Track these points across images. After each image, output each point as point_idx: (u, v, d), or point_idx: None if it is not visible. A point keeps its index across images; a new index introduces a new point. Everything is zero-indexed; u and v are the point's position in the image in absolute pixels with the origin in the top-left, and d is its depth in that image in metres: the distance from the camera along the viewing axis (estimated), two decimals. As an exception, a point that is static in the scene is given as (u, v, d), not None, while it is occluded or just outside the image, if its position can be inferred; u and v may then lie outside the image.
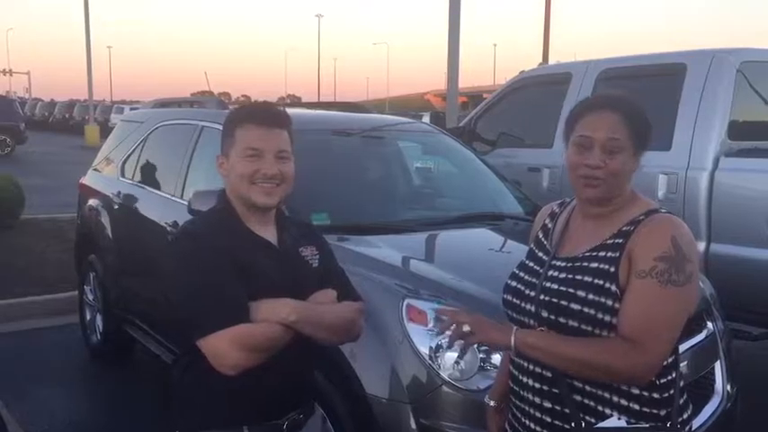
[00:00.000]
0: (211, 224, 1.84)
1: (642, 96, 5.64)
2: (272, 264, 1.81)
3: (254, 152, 1.78)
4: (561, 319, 1.63)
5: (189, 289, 1.71)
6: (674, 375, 1.67)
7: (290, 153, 1.85)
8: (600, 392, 1.62)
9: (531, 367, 1.71)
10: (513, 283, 1.82)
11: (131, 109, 19.43)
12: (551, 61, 16.08)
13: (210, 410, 1.77)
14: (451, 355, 2.52)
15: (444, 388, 2.49)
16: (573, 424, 1.64)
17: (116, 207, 4.83)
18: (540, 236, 1.88)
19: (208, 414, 1.78)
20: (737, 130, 4.56)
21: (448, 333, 1.69)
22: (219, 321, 1.65)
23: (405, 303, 2.63)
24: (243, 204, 1.83)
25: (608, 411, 1.62)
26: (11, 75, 62.64)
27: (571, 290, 1.63)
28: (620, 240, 1.63)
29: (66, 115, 42.53)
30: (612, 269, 1.61)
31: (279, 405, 1.83)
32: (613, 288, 1.59)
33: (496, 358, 2.55)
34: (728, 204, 4.34)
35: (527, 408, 1.73)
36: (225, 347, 1.64)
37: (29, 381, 4.60)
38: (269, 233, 1.87)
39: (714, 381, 3.03)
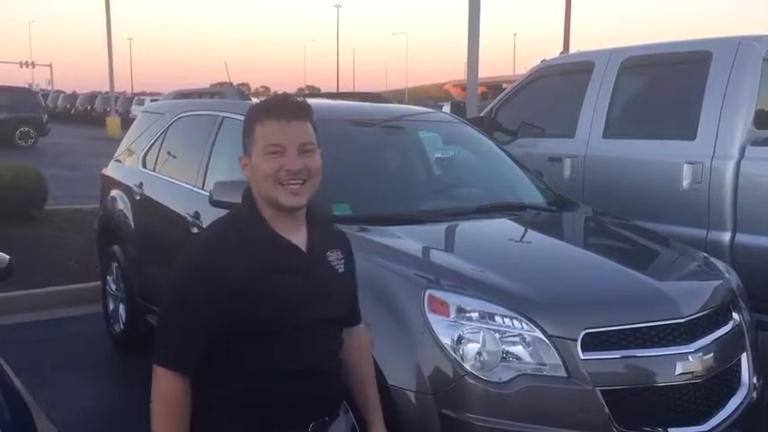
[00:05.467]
0: (231, 231, 1.74)
1: (667, 85, 5.56)
2: (298, 269, 1.74)
3: (276, 148, 1.68)
4: None
5: (169, 311, 1.74)
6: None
7: (315, 145, 1.75)
8: None
9: None
10: None
11: (152, 100, 19.55)
12: (572, 50, 15.92)
13: (232, 420, 1.73)
14: (473, 347, 2.52)
15: (467, 379, 2.48)
16: None
17: (138, 198, 4.86)
18: None
19: (229, 424, 1.73)
20: (764, 118, 4.49)
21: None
22: (167, 359, 1.69)
23: (426, 294, 2.62)
24: (270, 206, 1.73)
25: None
26: (33, 67, 63.26)
27: None
28: None
29: (88, 107, 42.84)
30: None
31: (301, 416, 1.78)
32: None
33: (518, 349, 2.55)
34: (754, 194, 4.27)
35: None
36: (156, 385, 1.69)
37: (53, 369, 4.66)
38: (298, 236, 1.78)
39: (740, 373, 2.99)
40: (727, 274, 3.32)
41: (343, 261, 1.88)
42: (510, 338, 2.55)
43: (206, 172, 4.13)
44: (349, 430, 1.99)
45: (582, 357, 2.53)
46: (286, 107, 1.73)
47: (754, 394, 2.98)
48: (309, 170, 1.71)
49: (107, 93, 36.68)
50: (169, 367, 1.67)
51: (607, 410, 2.51)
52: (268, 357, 1.71)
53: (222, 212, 3.63)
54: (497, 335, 2.54)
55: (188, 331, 1.68)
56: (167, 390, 1.67)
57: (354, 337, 1.99)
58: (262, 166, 1.69)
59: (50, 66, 69.66)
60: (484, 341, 2.52)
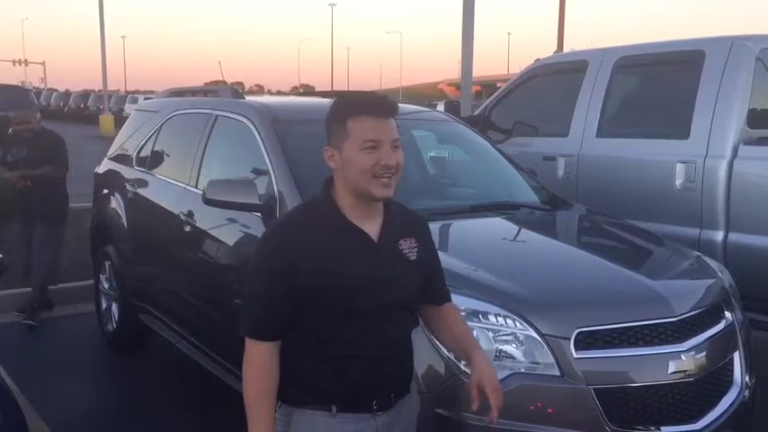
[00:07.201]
0: (307, 215, 1.90)
1: (660, 84, 5.55)
2: (366, 257, 1.85)
3: (373, 143, 1.79)
4: None
5: (249, 286, 1.91)
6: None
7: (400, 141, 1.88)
8: None
9: None
10: None
11: (145, 98, 19.46)
12: (566, 49, 15.93)
13: (305, 388, 1.87)
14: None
15: (460, 377, 2.48)
16: None
17: (131, 196, 4.84)
18: None
19: (303, 390, 1.87)
20: (757, 117, 4.50)
21: None
22: (248, 328, 1.85)
23: (420, 293, 2.61)
24: (354, 196, 1.85)
25: None
26: (26, 65, 63.15)
27: None
28: None
29: (81, 105, 42.75)
30: None
31: (369, 390, 1.88)
32: None
33: (512, 348, 2.55)
34: (747, 193, 4.29)
35: None
36: (245, 351, 1.86)
37: (45, 368, 4.65)
38: (372, 224, 1.88)
39: (733, 372, 3.00)
40: (719, 273, 3.33)
41: (416, 249, 1.95)
42: (503, 337, 2.55)
43: (199, 170, 4.12)
44: (419, 408, 2.04)
45: (575, 356, 2.54)
46: (381, 105, 1.85)
47: (747, 393, 2.99)
48: (399, 164, 1.83)
49: (100, 91, 36.59)
50: (249, 336, 1.84)
51: (600, 409, 2.52)
52: (329, 337, 1.83)
53: (215, 210, 3.63)
54: (491, 334, 2.54)
55: (264, 302, 1.83)
56: (251, 355, 1.84)
57: (444, 313, 2.09)
58: (358, 160, 1.80)
59: (43, 64, 69.82)
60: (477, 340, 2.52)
